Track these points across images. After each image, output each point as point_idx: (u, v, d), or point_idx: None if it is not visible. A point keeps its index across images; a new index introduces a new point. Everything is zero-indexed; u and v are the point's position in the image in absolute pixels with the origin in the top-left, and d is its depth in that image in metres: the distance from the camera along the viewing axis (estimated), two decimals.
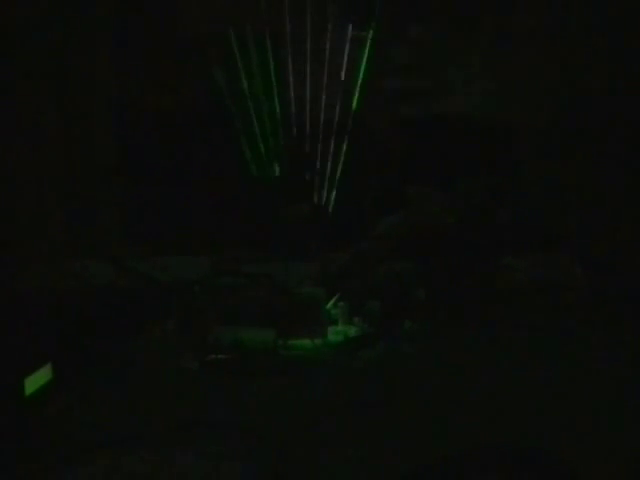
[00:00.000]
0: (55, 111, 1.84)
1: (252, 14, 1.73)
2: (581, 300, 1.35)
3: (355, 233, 1.60)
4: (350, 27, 1.48)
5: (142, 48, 1.86)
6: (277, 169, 1.72)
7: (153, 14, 1.87)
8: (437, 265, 1.44)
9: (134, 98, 1.87)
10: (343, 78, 1.83)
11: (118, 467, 0.82)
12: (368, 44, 1.30)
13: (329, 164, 1.67)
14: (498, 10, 1.65)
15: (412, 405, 0.96)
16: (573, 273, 1.43)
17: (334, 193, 1.71)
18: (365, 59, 1.42)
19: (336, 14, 1.51)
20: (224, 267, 1.56)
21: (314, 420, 0.89)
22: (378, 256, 1.51)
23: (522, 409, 0.95)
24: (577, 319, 1.28)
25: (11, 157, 1.79)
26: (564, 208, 1.39)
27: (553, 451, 0.81)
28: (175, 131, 1.87)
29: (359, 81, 1.78)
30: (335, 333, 1.23)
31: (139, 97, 1.87)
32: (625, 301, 1.30)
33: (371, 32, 1.49)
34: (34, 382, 0.95)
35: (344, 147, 1.67)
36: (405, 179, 1.55)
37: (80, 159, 1.88)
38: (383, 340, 1.25)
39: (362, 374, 1.06)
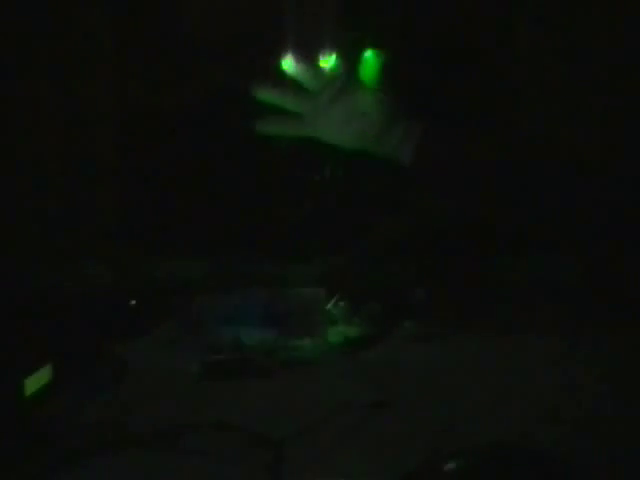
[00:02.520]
0: (55, 110, 1.84)
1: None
2: (581, 300, 1.36)
3: (355, 233, 1.61)
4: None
5: (142, 48, 1.86)
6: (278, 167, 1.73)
7: (154, 14, 1.87)
8: (437, 265, 1.45)
9: (134, 98, 1.88)
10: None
11: (118, 468, 0.82)
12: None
13: (329, 164, 1.67)
14: None
15: (412, 405, 0.97)
16: (573, 273, 1.43)
17: (334, 193, 1.71)
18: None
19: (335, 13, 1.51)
20: (224, 267, 1.57)
21: (314, 420, 0.89)
22: (378, 256, 1.51)
23: (522, 409, 0.96)
24: (577, 319, 1.28)
25: (11, 157, 1.79)
26: (564, 208, 1.39)
27: (553, 451, 0.82)
28: (175, 131, 1.87)
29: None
30: (335, 333, 1.24)
31: (139, 97, 1.87)
32: (625, 301, 1.30)
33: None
34: (34, 382, 0.95)
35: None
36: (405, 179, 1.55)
37: (80, 159, 1.88)
38: (383, 340, 1.25)
39: (362, 374, 1.06)
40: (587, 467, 0.78)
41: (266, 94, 1.23)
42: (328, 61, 1.22)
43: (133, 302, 1.23)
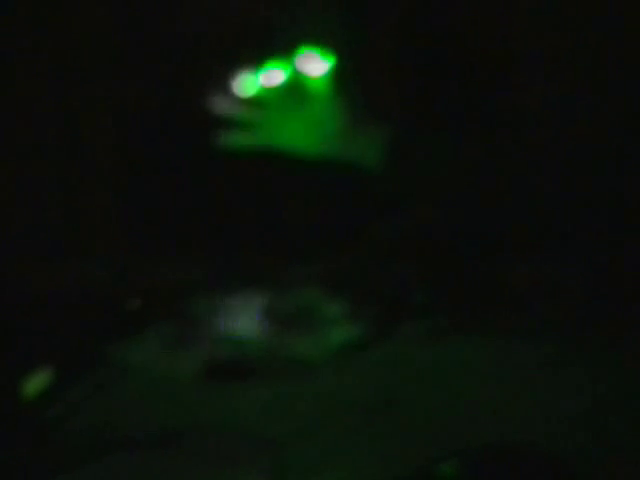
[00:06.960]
0: (55, 111, 1.84)
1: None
2: (581, 300, 1.35)
3: (355, 234, 1.61)
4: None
5: (143, 48, 1.86)
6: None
7: (154, 14, 1.87)
8: (437, 265, 1.44)
9: (134, 98, 1.87)
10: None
11: (117, 468, 0.82)
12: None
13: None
14: None
15: (412, 406, 0.96)
16: (573, 273, 1.43)
17: (334, 194, 1.71)
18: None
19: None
20: (224, 267, 1.57)
21: (314, 421, 0.89)
22: (378, 257, 1.51)
23: (522, 409, 0.96)
24: (577, 319, 1.28)
25: (11, 157, 1.79)
26: (563, 207, 1.39)
27: (553, 451, 0.82)
28: (175, 131, 1.87)
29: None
30: (335, 333, 1.23)
31: (139, 97, 1.87)
32: (625, 301, 1.30)
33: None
34: (34, 382, 0.94)
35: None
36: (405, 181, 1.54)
37: (80, 159, 1.88)
38: (383, 340, 1.25)
39: (362, 374, 1.06)
40: (587, 467, 0.78)
41: (222, 106, 1.24)
42: (285, 71, 1.23)
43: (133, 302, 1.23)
